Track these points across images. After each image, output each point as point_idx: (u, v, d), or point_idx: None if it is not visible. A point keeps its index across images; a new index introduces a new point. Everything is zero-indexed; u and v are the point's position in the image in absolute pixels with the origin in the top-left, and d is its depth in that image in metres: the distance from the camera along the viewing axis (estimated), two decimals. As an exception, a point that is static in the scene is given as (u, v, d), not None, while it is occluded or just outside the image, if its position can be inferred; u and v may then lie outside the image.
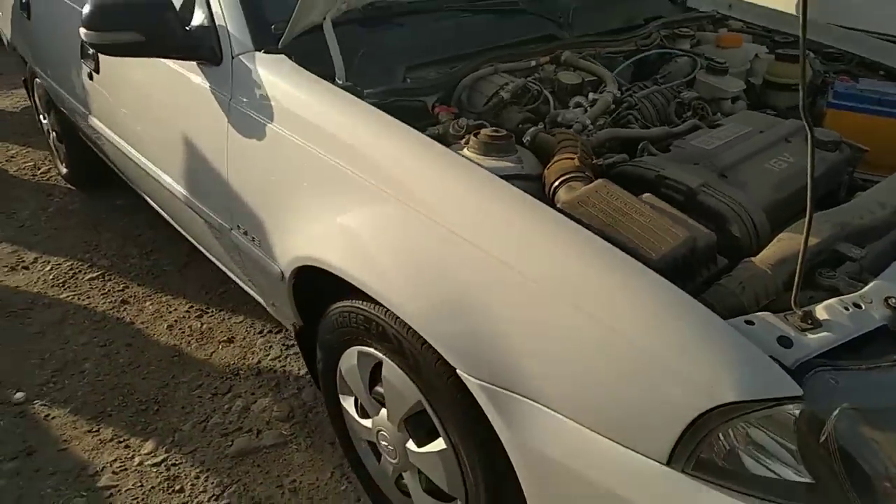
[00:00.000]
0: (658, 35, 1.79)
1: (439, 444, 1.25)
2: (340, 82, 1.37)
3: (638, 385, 0.92)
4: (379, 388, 1.37)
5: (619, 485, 0.96)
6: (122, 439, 1.84)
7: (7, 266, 2.64)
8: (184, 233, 2.16)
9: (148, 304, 2.39)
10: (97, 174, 3.15)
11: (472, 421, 1.14)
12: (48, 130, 3.21)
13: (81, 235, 2.83)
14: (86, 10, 1.50)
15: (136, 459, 1.78)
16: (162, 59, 1.67)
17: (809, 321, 0.94)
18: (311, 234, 1.30)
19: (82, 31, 1.52)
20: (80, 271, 2.59)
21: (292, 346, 2.16)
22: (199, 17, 1.56)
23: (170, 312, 2.34)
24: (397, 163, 1.18)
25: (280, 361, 2.10)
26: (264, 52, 1.45)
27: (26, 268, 2.64)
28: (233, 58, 1.49)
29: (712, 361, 0.88)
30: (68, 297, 2.45)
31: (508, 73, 1.48)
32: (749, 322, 0.93)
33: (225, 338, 2.21)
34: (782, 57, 1.71)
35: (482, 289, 1.04)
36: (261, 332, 2.22)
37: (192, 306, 2.36)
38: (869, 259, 1.09)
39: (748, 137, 1.35)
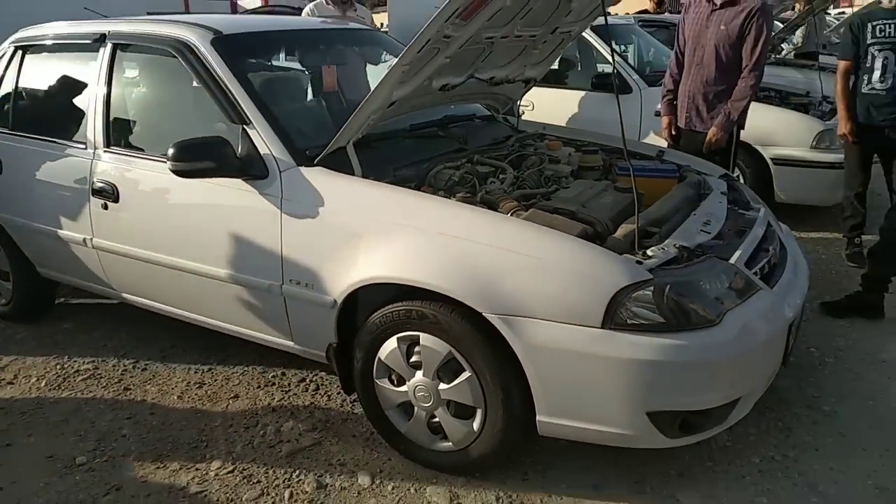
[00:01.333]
0: (516, 145, 2.96)
1: (465, 375, 2.10)
2: (360, 178, 2.28)
3: (580, 290, 1.92)
4: (414, 359, 2.19)
5: (580, 345, 1.92)
6: (189, 466, 2.38)
7: (-11, 386, 2.97)
8: (190, 315, 2.78)
9: (149, 386, 2.91)
10: (45, 304, 3.57)
11: (488, 349, 2.03)
12: (-15, 274, 3.57)
13: (48, 353, 3.22)
14: (171, 150, 2.28)
15: (212, 472, 2.34)
16: (198, 180, 2.43)
17: (645, 256, 2.02)
18: (369, 265, 2.15)
19: (170, 163, 2.29)
20: (68, 376, 3.01)
21: (288, 391, 2.83)
22: (244, 149, 2.38)
23: (172, 389, 2.88)
24: (428, 210, 2.13)
25: (285, 401, 2.76)
26: (304, 167, 2.32)
27: (10, 383, 2.99)
28: (280, 172, 2.34)
29: (613, 269, 1.91)
30: (70, 394, 2.87)
31: (451, 168, 2.50)
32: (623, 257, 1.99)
33: (231, 395, 2.81)
34: (585, 152, 2.94)
35: (494, 264, 1.99)
36: (259, 387, 2.86)
37: (188, 382, 2.92)
38: (664, 231, 2.22)
39: (586, 190, 2.48)
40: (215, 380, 2.93)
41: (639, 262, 1.97)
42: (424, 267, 2.08)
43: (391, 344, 2.22)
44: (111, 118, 2.87)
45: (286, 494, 2.22)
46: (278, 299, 2.42)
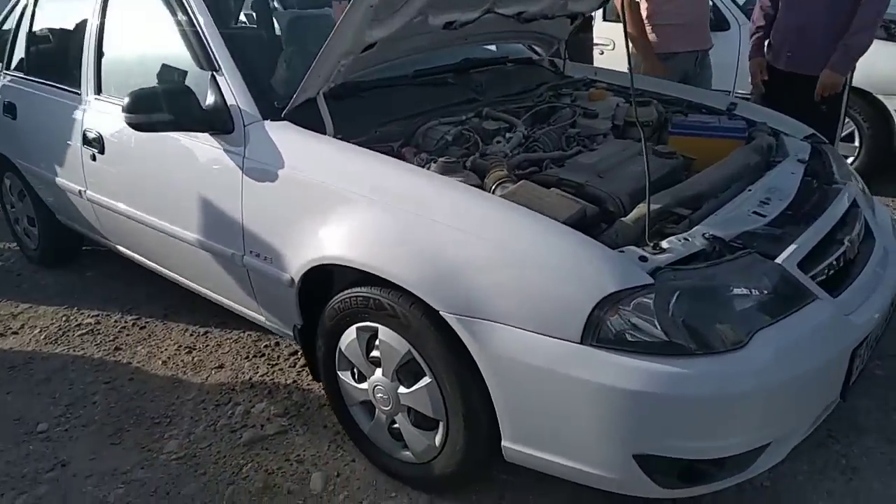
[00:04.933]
0: (546, 94, 2.47)
1: (425, 381, 1.73)
2: (331, 136, 1.91)
3: (557, 293, 1.48)
4: (374, 354, 1.84)
5: (552, 363, 1.48)
6: (143, 445, 2.19)
7: (-5, 334, 2.93)
8: (179, 278, 2.57)
9: (140, 348, 2.75)
10: (69, 251, 3.50)
11: (449, 353, 1.63)
12: (17, 219, 3.55)
13: (61, 303, 3.15)
14: (126, 99, 2.00)
15: (161, 458, 2.13)
16: (172, 134, 2.16)
17: (657, 249, 1.54)
18: (324, 242, 1.80)
19: (124, 115, 2.01)
20: (68, 330, 2.91)
21: (275, 364, 2.57)
22: (211, 99, 2.06)
23: (161, 352, 2.70)
24: (390, 180, 1.73)
25: (268, 377, 2.51)
26: (271, 121, 1.98)
27: (15, 333, 2.93)
28: (244, 126, 2.01)
29: (600, 270, 1.45)
30: (63, 350, 2.77)
31: (447, 124, 2.07)
32: (621, 251, 1.51)
33: (216, 365, 2.59)
34: (639, 104, 2.39)
35: (457, 252, 1.58)
36: (247, 357, 2.62)
37: (179, 346, 2.74)
38: (698, 215, 1.71)
39: (615, 154, 1.99)
40: (207, 345, 2.73)
41: (643, 259, 1.49)
42: (377, 249, 1.70)
43: (351, 333, 1.88)
44: (102, 63, 2.65)
45: (227, 492, 1.97)
46: (242, 270, 2.13)
